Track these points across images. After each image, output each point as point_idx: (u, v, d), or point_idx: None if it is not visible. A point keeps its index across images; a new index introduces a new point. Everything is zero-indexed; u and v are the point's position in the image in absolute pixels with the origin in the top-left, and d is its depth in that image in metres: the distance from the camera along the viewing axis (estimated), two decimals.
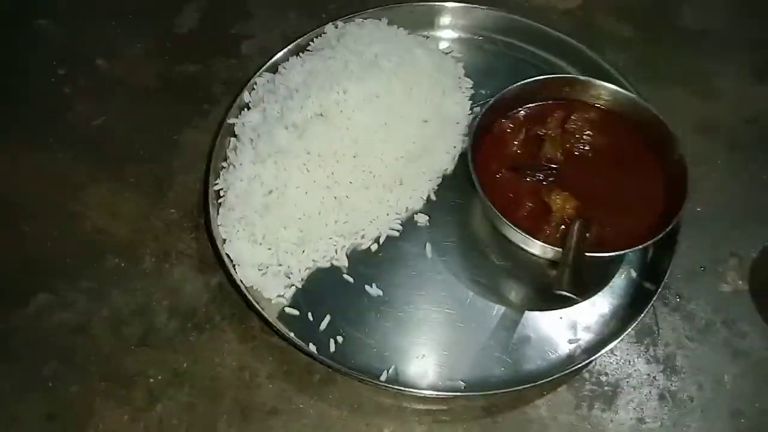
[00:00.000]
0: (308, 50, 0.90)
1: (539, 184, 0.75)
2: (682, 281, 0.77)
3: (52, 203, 0.84)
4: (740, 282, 0.77)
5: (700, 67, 0.96)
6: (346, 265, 0.77)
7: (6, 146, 0.89)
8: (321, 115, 0.78)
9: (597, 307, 0.75)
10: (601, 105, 0.81)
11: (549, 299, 0.75)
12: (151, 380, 0.71)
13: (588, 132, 0.79)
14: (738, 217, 0.82)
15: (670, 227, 0.68)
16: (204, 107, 0.93)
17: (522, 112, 0.81)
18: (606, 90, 0.80)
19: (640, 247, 0.69)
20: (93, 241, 0.81)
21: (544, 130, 0.79)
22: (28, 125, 0.91)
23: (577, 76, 0.85)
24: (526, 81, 0.79)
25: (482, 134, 0.78)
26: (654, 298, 0.71)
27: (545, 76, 0.80)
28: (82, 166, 0.88)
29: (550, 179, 0.76)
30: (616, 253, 0.69)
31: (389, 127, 0.80)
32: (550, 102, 0.81)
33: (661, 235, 0.67)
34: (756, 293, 0.76)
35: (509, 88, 0.78)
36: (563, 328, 0.74)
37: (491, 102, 0.77)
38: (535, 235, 0.70)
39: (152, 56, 0.98)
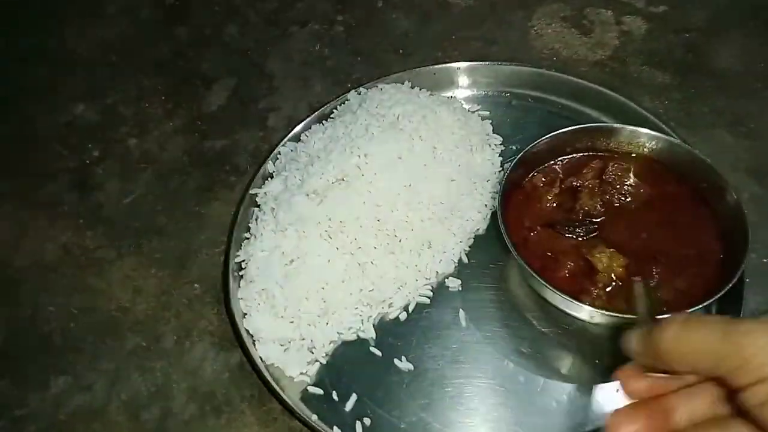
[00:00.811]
0: (331, 117, 0.89)
1: (579, 241, 0.69)
2: None
3: (77, 281, 0.83)
4: None
5: (743, 108, 0.90)
6: (374, 336, 0.72)
7: (36, 224, 0.90)
8: (342, 180, 0.76)
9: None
10: (641, 152, 0.75)
11: (602, 369, 0.67)
12: None
13: (628, 182, 0.73)
14: None
15: (733, 281, 0.60)
16: (230, 180, 0.92)
17: (555, 165, 0.76)
18: (645, 136, 0.74)
19: (701, 306, 0.61)
20: (115, 319, 0.79)
21: (580, 182, 0.73)
22: (58, 205, 0.93)
23: (612, 124, 0.80)
24: (556, 132, 0.74)
25: (512, 190, 0.73)
26: None
27: (576, 126, 0.75)
28: (108, 243, 0.87)
29: (592, 235, 0.69)
30: (675, 314, 0.61)
31: (413, 189, 0.76)
32: (584, 154, 0.76)
33: (723, 292, 0.59)
34: None
35: (539, 140, 0.74)
36: (621, 403, 0.65)
37: (520, 156, 0.72)
38: (580, 298, 0.64)
39: (181, 133, 1.00)
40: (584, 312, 0.64)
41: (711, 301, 0.60)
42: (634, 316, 0.60)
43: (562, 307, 0.66)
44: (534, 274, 0.64)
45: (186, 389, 0.72)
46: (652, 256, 0.67)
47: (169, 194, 0.92)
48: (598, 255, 0.66)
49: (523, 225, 0.71)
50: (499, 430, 0.65)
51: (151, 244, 0.86)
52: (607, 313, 0.62)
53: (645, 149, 0.75)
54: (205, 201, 0.90)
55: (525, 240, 0.69)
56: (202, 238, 0.85)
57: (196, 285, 0.81)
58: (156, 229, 0.88)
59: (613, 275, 0.65)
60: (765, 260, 0.73)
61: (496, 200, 0.70)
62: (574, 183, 0.73)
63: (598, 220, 0.70)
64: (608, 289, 0.65)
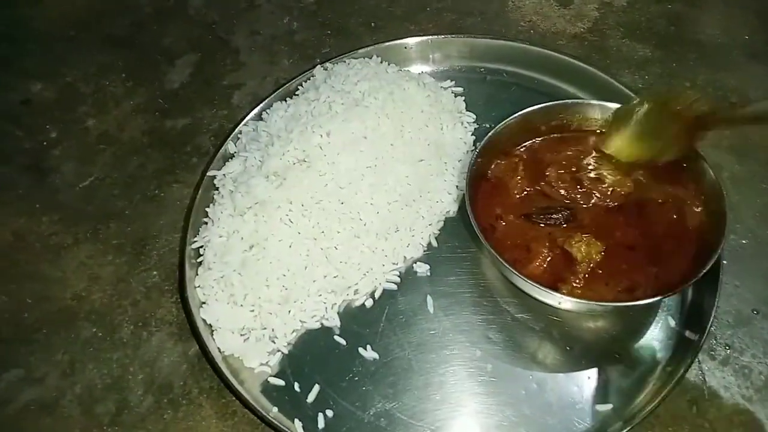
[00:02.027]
0: (295, 95, 0.84)
1: (554, 230, 0.65)
2: (731, 328, 0.65)
3: (32, 269, 0.80)
4: None
5: (726, 81, 0.86)
6: (338, 324, 0.69)
7: None
8: (303, 161, 0.72)
9: (632, 365, 0.63)
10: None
11: (575, 357, 0.64)
12: None
13: (603, 164, 0.69)
14: None
15: (708, 266, 0.57)
16: (192, 161, 0.88)
17: (523, 147, 0.72)
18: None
19: (675, 292, 0.58)
20: (70, 308, 0.76)
21: (551, 168, 0.69)
22: (14, 189, 0.88)
23: (581, 100, 0.76)
24: (523, 112, 0.70)
25: (481, 176, 0.69)
26: (698, 351, 0.60)
27: (544, 104, 0.71)
28: (64, 229, 0.83)
29: (568, 222, 0.66)
30: (648, 300, 0.59)
31: (378, 170, 0.73)
32: (555, 135, 0.73)
33: (698, 276, 0.57)
34: None
35: (504, 122, 0.70)
36: (592, 391, 0.63)
37: (485, 141, 0.68)
38: (556, 286, 0.61)
39: (142, 113, 0.95)
40: (560, 301, 0.61)
41: (686, 285, 0.57)
42: (606, 303, 0.58)
43: (536, 296, 0.63)
44: (509, 268, 0.61)
45: (143, 381, 0.69)
46: (629, 242, 0.64)
47: (128, 177, 0.88)
48: (575, 244, 0.63)
49: (493, 211, 0.67)
50: (467, 419, 0.62)
51: (108, 229, 0.82)
52: (587, 302, 0.60)
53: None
54: (165, 184, 0.86)
55: (494, 227, 0.66)
56: (161, 223, 0.81)
57: (154, 272, 0.77)
58: (114, 213, 0.84)
59: (591, 263, 0.62)
60: (744, 242, 0.71)
61: (464, 189, 0.66)
62: (546, 171, 0.69)
63: (573, 206, 0.67)
64: (586, 276, 0.62)
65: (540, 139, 0.72)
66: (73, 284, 0.78)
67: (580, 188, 0.68)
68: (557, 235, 0.65)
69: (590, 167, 0.69)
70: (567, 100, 0.74)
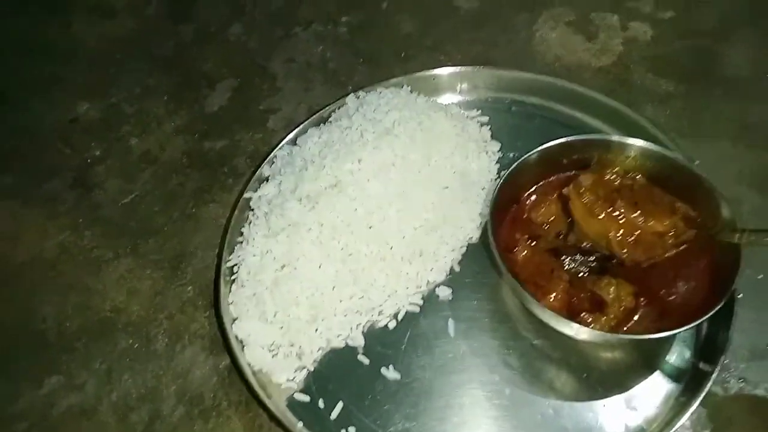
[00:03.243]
0: (329, 121, 0.88)
1: (582, 272, 0.67)
2: (745, 362, 0.66)
3: (73, 281, 0.84)
4: None
5: (749, 116, 0.87)
6: (362, 344, 0.72)
7: (36, 221, 0.91)
8: (335, 186, 0.76)
9: (647, 395, 0.65)
10: (637, 167, 0.73)
11: (591, 385, 0.66)
12: None
13: (622, 201, 0.71)
14: None
15: (722, 302, 0.59)
16: (228, 182, 0.92)
17: (546, 181, 0.74)
18: (640, 150, 0.72)
19: (692, 325, 0.59)
20: (109, 319, 0.80)
21: (575, 205, 0.71)
22: (61, 204, 0.94)
23: (603, 137, 0.77)
24: (545, 146, 0.72)
25: (505, 206, 0.72)
26: (710, 382, 0.61)
27: (565, 139, 0.73)
28: (106, 243, 0.88)
29: (600, 273, 0.67)
30: (662, 335, 0.60)
31: (406, 196, 0.76)
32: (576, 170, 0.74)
33: (711, 312, 0.58)
34: None
35: (527, 155, 0.72)
36: (606, 420, 0.64)
37: (509, 170, 0.71)
38: (582, 319, 0.63)
39: (182, 134, 1.00)
40: (578, 331, 0.63)
41: (699, 321, 0.59)
42: (623, 336, 0.60)
43: (553, 325, 0.65)
44: (525, 292, 0.63)
45: (175, 392, 0.72)
46: (651, 277, 0.66)
47: (167, 195, 0.92)
48: (604, 287, 0.64)
49: (515, 240, 0.70)
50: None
51: (147, 245, 0.87)
52: (599, 332, 0.62)
53: (639, 164, 0.72)
54: (202, 203, 0.90)
55: (515, 256, 0.68)
56: (197, 240, 0.86)
57: (189, 287, 0.81)
58: (153, 230, 0.88)
59: (622, 305, 0.64)
60: (760, 277, 0.72)
61: (487, 218, 0.69)
62: (568, 205, 0.71)
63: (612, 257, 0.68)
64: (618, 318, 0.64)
65: (566, 174, 0.74)
66: (112, 296, 0.82)
67: (628, 239, 0.68)
68: (587, 279, 0.66)
69: (611, 202, 0.70)
70: (589, 136, 0.76)
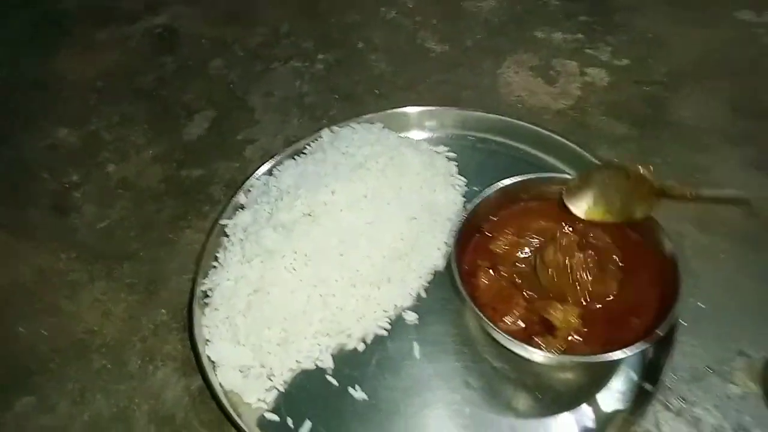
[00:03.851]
0: (303, 153, 0.93)
1: (533, 297, 0.72)
2: (686, 383, 0.71)
3: (49, 303, 0.86)
4: (750, 383, 0.71)
5: (698, 161, 0.95)
6: (331, 366, 0.75)
7: (14, 246, 0.93)
8: (309, 215, 0.80)
9: (596, 413, 0.69)
10: None
11: (546, 404, 0.70)
12: None
13: (576, 234, 0.76)
14: (745, 314, 0.77)
15: (663, 331, 0.64)
16: (204, 209, 0.95)
17: (507, 212, 0.79)
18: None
19: (632, 353, 0.64)
20: (82, 341, 0.82)
21: (535, 237, 0.77)
22: (37, 227, 0.96)
23: (556, 174, 0.83)
24: (504, 184, 0.78)
25: (466, 238, 0.76)
26: (652, 401, 0.66)
27: (522, 177, 0.79)
28: (81, 267, 0.90)
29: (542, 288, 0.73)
30: (609, 358, 0.64)
31: (376, 226, 0.80)
32: (534, 203, 0.80)
33: (652, 341, 0.63)
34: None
35: (488, 190, 0.77)
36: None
37: (470, 207, 0.76)
38: (535, 342, 0.67)
39: (160, 161, 1.04)
40: (533, 354, 0.67)
41: (641, 347, 0.64)
42: (576, 358, 0.65)
43: (510, 348, 0.69)
44: (483, 317, 0.67)
45: (147, 412, 0.74)
46: (599, 305, 0.71)
47: (144, 221, 0.95)
48: (552, 312, 0.68)
49: (477, 269, 0.74)
50: None
51: (122, 269, 0.89)
52: (552, 355, 0.66)
53: None
54: (179, 229, 0.93)
55: (476, 284, 0.73)
56: (172, 266, 0.88)
57: (163, 311, 0.83)
58: (128, 254, 0.90)
59: (570, 330, 0.68)
60: (702, 306, 0.77)
61: (451, 252, 0.73)
62: (529, 238, 0.77)
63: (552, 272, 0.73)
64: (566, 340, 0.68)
65: (523, 205, 0.80)
66: (86, 319, 0.84)
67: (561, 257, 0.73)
68: (536, 303, 0.71)
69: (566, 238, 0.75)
70: (546, 174, 0.82)
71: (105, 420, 0.74)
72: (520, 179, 0.78)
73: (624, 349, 0.64)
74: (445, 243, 0.85)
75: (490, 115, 0.99)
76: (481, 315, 0.67)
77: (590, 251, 0.74)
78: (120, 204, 0.98)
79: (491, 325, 0.67)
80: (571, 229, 0.77)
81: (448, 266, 0.83)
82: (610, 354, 0.64)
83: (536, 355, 0.67)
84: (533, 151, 0.97)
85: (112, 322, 0.83)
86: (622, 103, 1.06)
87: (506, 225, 0.78)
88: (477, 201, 0.77)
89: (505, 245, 0.77)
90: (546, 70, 1.12)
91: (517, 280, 0.73)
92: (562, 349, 0.67)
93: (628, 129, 1.01)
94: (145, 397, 0.75)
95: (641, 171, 0.73)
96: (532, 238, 0.78)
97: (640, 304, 0.71)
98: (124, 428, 0.73)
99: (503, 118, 0.99)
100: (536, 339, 0.68)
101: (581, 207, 0.76)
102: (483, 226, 0.78)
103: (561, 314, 0.68)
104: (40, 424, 0.74)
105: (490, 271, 0.74)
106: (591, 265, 0.72)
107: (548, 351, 0.66)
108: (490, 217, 0.79)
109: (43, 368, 0.79)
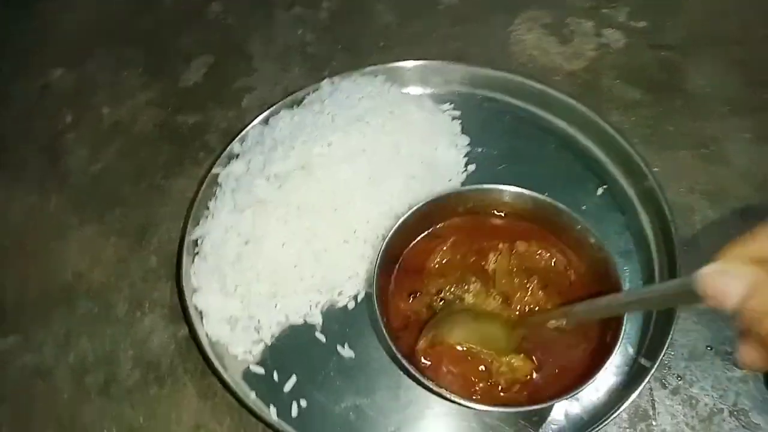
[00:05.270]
0: (302, 104, 0.90)
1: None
2: (684, 361, 0.70)
3: (38, 245, 0.85)
4: None
5: (711, 131, 0.91)
6: (320, 322, 0.74)
7: (4, 187, 0.91)
8: (303, 167, 0.77)
9: (589, 387, 0.67)
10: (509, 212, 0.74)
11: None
12: None
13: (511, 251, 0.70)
14: None
15: (616, 347, 0.60)
16: (199, 156, 0.93)
17: (433, 231, 0.74)
18: (512, 195, 0.72)
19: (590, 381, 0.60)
20: (71, 284, 0.81)
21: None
22: (28, 168, 0.93)
23: (494, 186, 0.74)
24: (431, 199, 0.72)
25: (390, 266, 0.71)
26: (648, 378, 0.64)
27: (449, 192, 0.74)
28: (72, 209, 0.88)
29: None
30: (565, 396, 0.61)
31: (372, 182, 0.78)
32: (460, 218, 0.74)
33: (595, 376, 0.60)
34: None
35: (418, 206, 0.71)
36: (550, 408, 0.67)
37: (393, 231, 0.69)
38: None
39: (155, 106, 1.00)
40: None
41: (584, 386, 0.61)
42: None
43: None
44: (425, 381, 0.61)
45: (132, 357, 0.73)
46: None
47: (137, 166, 0.93)
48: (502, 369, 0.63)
49: (400, 306, 0.69)
50: (431, 420, 0.67)
51: (113, 213, 0.87)
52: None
53: (512, 208, 0.73)
54: (172, 175, 0.91)
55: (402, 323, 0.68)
56: (164, 212, 0.86)
57: (152, 257, 0.82)
58: (120, 199, 0.89)
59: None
60: None
61: (374, 282, 0.66)
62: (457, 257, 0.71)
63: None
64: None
65: (450, 221, 0.74)
66: (75, 262, 0.83)
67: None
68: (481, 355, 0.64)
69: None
70: (481, 185, 0.75)
71: (90, 362, 0.73)
72: (455, 191, 0.75)
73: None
74: None
75: (499, 73, 0.95)
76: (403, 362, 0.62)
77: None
78: (113, 148, 0.96)
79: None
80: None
81: None
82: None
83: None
84: (542, 113, 0.93)
85: (101, 266, 0.82)
86: (637, 68, 1.01)
87: (431, 249, 0.73)
88: (394, 229, 0.70)
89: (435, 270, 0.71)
90: (560, 29, 1.07)
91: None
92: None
93: (641, 94, 0.97)
94: (130, 343, 0.75)
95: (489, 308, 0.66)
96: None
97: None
98: (109, 371, 0.72)
99: (512, 76, 0.95)
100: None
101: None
102: (405, 254, 0.72)
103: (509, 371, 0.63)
104: (24, 362, 0.74)
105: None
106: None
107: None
108: (420, 232, 0.74)
109: (31, 309, 0.78)
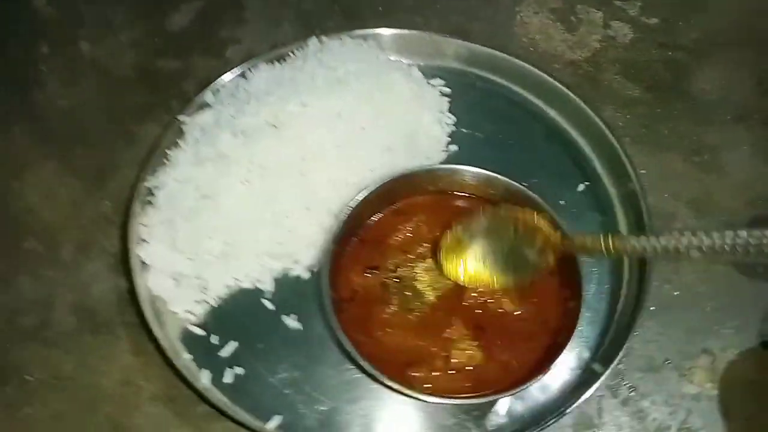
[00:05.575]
0: (284, 61, 0.85)
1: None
2: (640, 372, 0.67)
3: None
4: (708, 384, 0.66)
5: (708, 139, 0.87)
6: (271, 290, 0.70)
7: None
8: (273, 125, 0.73)
9: (536, 387, 0.65)
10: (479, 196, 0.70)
11: None
12: (31, 378, 0.65)
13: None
14: (721, 309, 0.71)
15: (553, 363, 0.58)
16: (172, 103, 0.88)
17: (399, 207, 0.71)
18: (484, 178, 0.68)
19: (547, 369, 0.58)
20: (20, 220, 0.77)
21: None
22: None
23: (461, 167, 0.71)
24: (401, 174, 0.68)
25: (348, 238, 0.68)
26: (597, 384, 0.61)
27: (421, 168, 0.70)
28: (34, 144, 0.84)
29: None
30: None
31: (345, 150, 0.74)
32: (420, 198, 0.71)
33: (544, 373, 0.58)
34: (725, 401, 0.64)
35: (379, 184, 0.68)
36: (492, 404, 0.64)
37: (356, 202, 0.66)
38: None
39: (136, 47, 0.96)
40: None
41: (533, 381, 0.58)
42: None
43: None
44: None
45: (70, 303, 0.70)
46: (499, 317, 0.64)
47: (108, 107, 0.88)
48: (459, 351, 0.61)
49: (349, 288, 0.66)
50: (369, 402, 0.64)
51: (75, 152, 0.83)
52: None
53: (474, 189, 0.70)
54: (142, 121, 0.86)
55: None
56: (127, 157, 0.82)
57: (107, 202, 0.78)
58: (84, 139, 0.85)
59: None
60: (677, 294, 0.72)
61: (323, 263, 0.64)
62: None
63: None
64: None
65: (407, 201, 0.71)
66: (28, 198, 0.79)
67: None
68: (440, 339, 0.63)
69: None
70: (454, 166, 0.72)
71: (26, 302, 0.70)
72: (424, 169, 0.71)
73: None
74: None
75: (497, 53, 0.90)
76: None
77: None
78: (86, 85, 0.91)
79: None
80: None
81: None
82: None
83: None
84: (535, 100, 0.88)
85: (54, 205, 0.78)
86: (641, 64, 0.96)
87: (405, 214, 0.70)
88: (351, 209, 0.67)
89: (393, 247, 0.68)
90: (567, 16, 1.01)
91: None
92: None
93: (641, 92, 0.93)
94: (71, 288, 0.71)
95: (535, 220, 0.61)
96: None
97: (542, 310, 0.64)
98: (43, 314, 0.69)
99: (510, 58, 0.90)
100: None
101: (461, 269, 0.64)
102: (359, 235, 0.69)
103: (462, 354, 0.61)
104: None
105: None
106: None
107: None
108: (382, 206, 0.70)
109: None
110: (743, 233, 0.46)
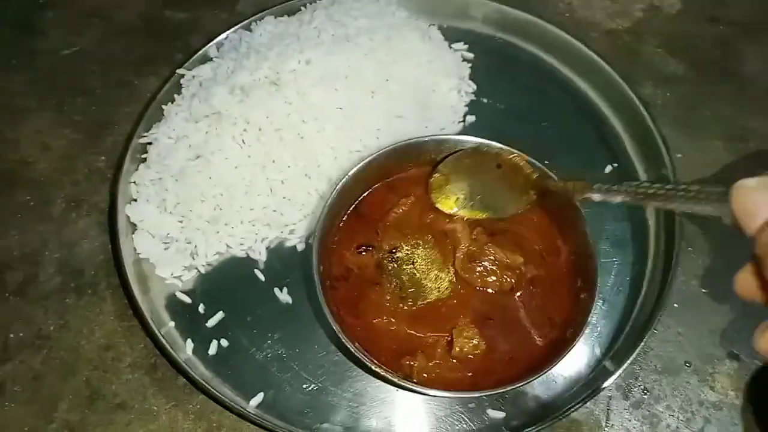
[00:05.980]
0: (294, 15, 0.79)
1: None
2: (657, 374, 0.61)
3: None
4: (732, 392, 0.60)
5: (751, 124, 0.79)
6: (263, 260, 0.66)
7: None
8: (273, 83, 0.68)
9: (549, 380, 0.60)
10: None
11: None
12: (12, 336, 0.63)
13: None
14: (752, 312, 0.64)
15: (562, 356, 0.52)
16: (176, 57, 0.84)
17: (397, 181, 0.65)
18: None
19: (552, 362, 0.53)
20: (14, 171, 0.74)
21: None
22: None
23: (448, 136, 0.65)
24: (383, 150, 0.62)
25: (342, 212, 0.63)
26: (608, 383, 0.56)
27: (409, 141, 0.63)
28: (33, 92, 0.81)
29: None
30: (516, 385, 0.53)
31: (349, 114, 0.68)
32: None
33: (551, 366, 0.52)
34: (748, 413, 0.58)
35: (379, 152, 0.62)
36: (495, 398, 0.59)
37: (352, 172, 0.60)
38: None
39: None
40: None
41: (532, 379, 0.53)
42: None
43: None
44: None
45: (57, 260, 0.68)
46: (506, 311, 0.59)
47: (110, 57, 0.85)
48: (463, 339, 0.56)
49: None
50: (356, 383, 0.60)
51: (74, 103, 0.80)
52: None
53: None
54: (143, 73, 0.83)
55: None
56: (125, 111, 0.79)
57: (102, 157, 0.75)
58: (84, 89, 0.81)
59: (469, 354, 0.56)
60: (705, 291, 0.65)
61: (314, 238, 0.58)
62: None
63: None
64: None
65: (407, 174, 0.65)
66: (23, 149, 0.76)
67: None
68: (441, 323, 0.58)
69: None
70: (442, 136, 0.66)
71: (13, 258, 0.68)
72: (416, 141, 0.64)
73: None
74: None
75: (530, 17, 0.83)
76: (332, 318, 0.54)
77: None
78: (90, 34, 0.87)
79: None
80: None
81: None
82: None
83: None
84: (566, 71, 0.82)
85: (48, 157, 0.75)
86: (687, 39, 0.88)
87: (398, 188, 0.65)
88: (340, 185, 0.61)
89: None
90: None
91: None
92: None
93: (684, 69, 0.84)
94: (59, 245, 0.69)
95: (516, 160, 0.60)
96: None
97: (553, 299, 0.58)
98: (30, 271, 0.67)
99: (543, 23, 0.82)
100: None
101: (450, 203, 0.62)
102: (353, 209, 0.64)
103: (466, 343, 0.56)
104: None
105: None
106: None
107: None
108: (381, 178, 0.65)
109: None
110: (694, 186, 0.44)
